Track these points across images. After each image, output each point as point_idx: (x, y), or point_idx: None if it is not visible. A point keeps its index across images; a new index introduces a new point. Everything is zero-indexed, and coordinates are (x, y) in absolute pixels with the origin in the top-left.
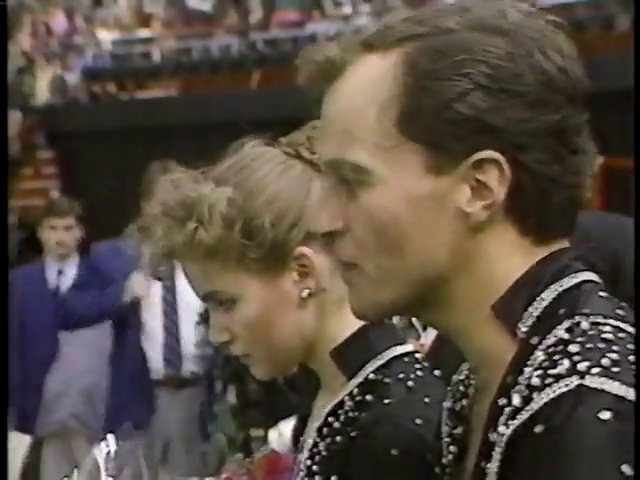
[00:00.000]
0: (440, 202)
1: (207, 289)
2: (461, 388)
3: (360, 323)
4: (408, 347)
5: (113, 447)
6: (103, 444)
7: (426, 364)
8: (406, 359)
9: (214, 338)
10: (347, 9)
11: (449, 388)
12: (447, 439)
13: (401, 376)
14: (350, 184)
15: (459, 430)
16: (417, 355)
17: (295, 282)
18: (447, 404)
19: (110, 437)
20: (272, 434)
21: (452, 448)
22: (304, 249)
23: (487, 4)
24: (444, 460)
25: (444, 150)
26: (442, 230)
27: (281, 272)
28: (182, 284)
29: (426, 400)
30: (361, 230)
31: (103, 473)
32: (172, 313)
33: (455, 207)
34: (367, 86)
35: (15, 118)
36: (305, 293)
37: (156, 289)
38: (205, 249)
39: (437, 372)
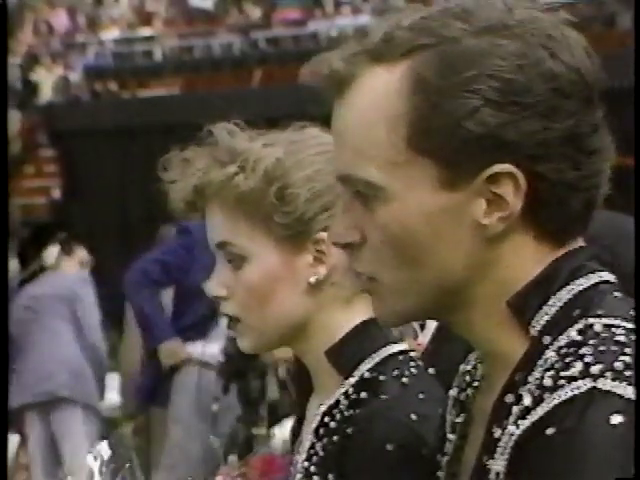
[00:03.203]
0: (456, 215)
1: (223, 238)
2: (467, 378)
3: (355, 323)
4: (402, 345)
5: (107, 452)
6: (97, 450)
7: (420, 362)
8: (400, 357)
9: (212, 290)
10: (348, 8)
11: (456, 377)
12: (450, 428)
13: (396, 373)
14: (366, 197)
15: (460, 419)
16: (411, 353)
17: (308, 265)
18: (453, 393)
19: (103, 443)
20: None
21: (451, 436)
22: (326, 235)
23: (491, 3)
24: (445, 449)
25: (457, 166)
26: (459, 242)
27: (298, 249)
28: None
29: (421, 396)
30: (378, 243)
31: (97, 479)
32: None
33: (471, 219)
34: (375, 102)
35: (15, 117)
36: (313, 279)
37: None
38: (238, 195)
39: (431, 370)
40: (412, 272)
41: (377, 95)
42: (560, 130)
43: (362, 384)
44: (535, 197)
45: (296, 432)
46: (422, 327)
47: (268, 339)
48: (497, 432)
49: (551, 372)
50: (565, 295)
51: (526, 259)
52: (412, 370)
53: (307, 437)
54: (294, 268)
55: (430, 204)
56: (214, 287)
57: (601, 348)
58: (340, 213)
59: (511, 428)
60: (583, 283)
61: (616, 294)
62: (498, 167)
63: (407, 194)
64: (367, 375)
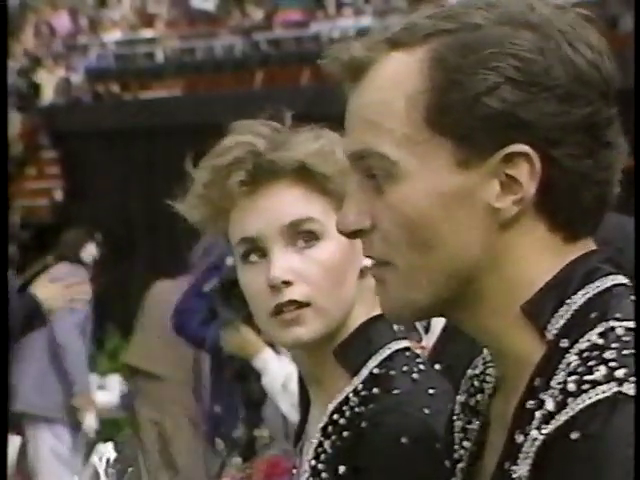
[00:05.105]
0: (469, 198)
1: (301, 216)
2: (476, 383)
3: (360, 322)
4: (406, 342)
5: (112, 454)
6: (102, 451)
7: (425, 360)
8: (407, 353)
9: (280, 275)
10: (350, 9)
11: (463, 382)
12: (460, 434)
13: (405, 369)
14: (377, 179)
15: (474, 425)
16: (415, 351)
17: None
18: (461, 398)
19: (109, 444)
20: None
21: (466, 443)
22: None
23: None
24: (456, 455)
25: (473, 144)
26: (471, 226)
27: None
28: None
29: (431, 392)
30: (389, 227)
31: None
32: None
33: (484, 203)
34: (394, 81)
35: (16, 119)
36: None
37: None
38: (337, 164)
39: (437, 366)
40: (423, 257)
41: (397, 74)
42: (577, 116)
43: (372, 380)
44: (548, 184)
45: (299, 434)
46: (426, 329)
47: (333, 324)
48: (519, 438)
49: (574, 376)
50: (580, 298)
51: (537, 252)
52: (420, 366)
53: (314, 436)
54: (357, 249)
55: (444, 184)
56: (282, 272)
57: (625, 352)
58: (347, 201)
59: (534, 433)
60: (598, 286)
61: (632, 297)
62: (514, 147)
63: (421, 173)
64: (376, 371)
